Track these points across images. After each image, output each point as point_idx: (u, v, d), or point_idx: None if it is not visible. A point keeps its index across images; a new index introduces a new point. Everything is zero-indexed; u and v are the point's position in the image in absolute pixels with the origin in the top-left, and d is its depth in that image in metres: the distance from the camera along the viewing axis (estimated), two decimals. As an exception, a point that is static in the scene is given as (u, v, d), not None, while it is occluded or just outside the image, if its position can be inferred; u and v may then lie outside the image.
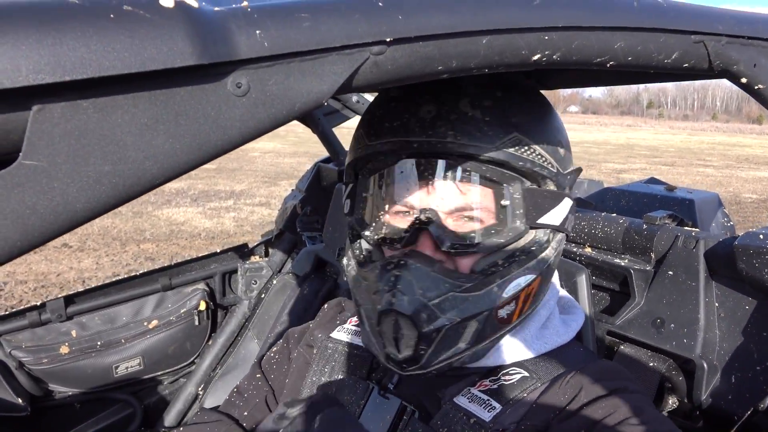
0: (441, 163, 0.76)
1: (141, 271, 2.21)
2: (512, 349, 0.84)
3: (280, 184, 11.04)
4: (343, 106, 2.34)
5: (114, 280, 2.15)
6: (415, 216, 0.77)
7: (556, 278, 0.96)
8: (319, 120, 2.25)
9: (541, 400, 0.77)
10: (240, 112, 0.41)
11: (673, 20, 0.64)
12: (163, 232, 7.43)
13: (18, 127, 0.34)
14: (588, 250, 1.39)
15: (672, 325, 1.18)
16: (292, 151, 16.52)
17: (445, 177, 0.76)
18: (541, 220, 0.79)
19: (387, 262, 0.76)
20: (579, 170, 0.88)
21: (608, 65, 0.62)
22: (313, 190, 2.36)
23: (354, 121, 2.50)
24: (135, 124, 0.37)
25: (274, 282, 2.31)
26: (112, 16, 0.35)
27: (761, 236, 1.08)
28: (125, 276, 2.18)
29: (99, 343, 2.05)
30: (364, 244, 0.86)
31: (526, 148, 0.77)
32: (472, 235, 0.77)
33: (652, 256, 1.27)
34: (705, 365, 1.12)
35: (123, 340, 2.09)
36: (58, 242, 6.62)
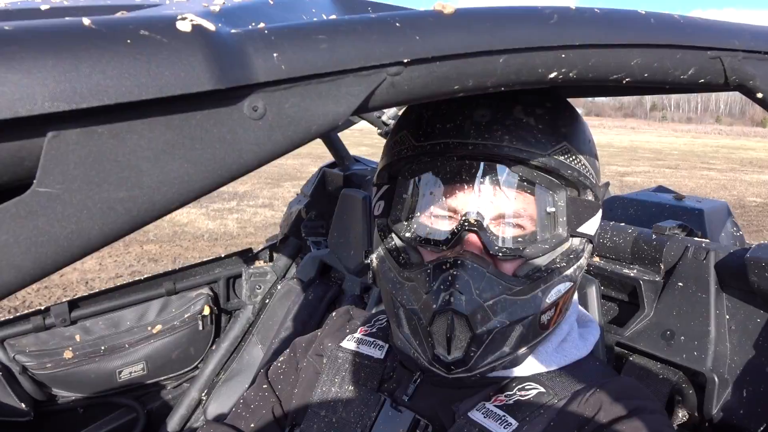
0: (493, 167, 0.77)
1: (145, 275, 2.20)
2: (532, 362, 0.83)
3: (283, 186, 11.05)
4: (348, 110, 2.33)
5: (118, 284, 2.14)
6: (463, 218, 0.77)
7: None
8: (325, 125, 2.24)
9: (559, 419, 0.76)
10: (256, 135, 0.40)
11: (690, 36, 0.64)
12: (166, 233, 7.43)
13: (32, 154, 0.34)
14: (596, 259, 1.39)
15: (682, 337, 1.17)
16: (295, 153, 16.45)
17: (495, 181, 0.77)
18: (581, 229, 0.81)
19: (442, 261, 0.75)
20: (607, 184, 0.90)
21: (624, 82, 0.61)
22: (318, 195, 2.35)
23: (357, 126, 2.50)
24: (151, 149, 0.36)
25: (279, 287, 2.30)
26: (128, 41, 0.34)
27: (773, 249, 1.07)
28: (129, 278, 2.18)
29: (103, 347, 2.05)
30: (399, 244, 0.85)
31: (574, 157, 0.78)
32: (519, 240, 0.78)
33: (662, 266, 1.26)
34: (716, 379, 1.11)
35: (127, 345, 2.09)
36: (62, 243, 6.62)
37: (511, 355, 0.78)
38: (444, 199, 0.79)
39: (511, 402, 0.79)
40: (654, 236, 1.29)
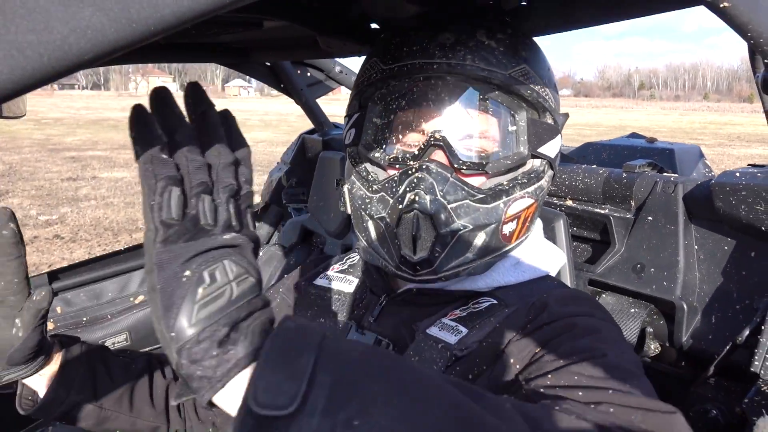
0: (458, 86, 0.80)
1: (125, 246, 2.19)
2: (489, 276, 0.85)
3: (272, 172, 10.99)
4: (326, 77, 2.32)
5: (98, 255, 2.13)
6: (430, 135, 0.80)
7: (538, 221, 0.97)
8: (302, 91, 2.23)
9: (505, 321, 0.78)
10: (172, -12, 0.39)
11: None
12: (155, 221, 7.39)
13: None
14: (569, 202, 1.39)
15: (652, 269, 1.18)
16: (284, 140, 16.46)
17: (460, 100, 0.80)
18: (541, 150, 0.84)
19: (407, 168, 0.79)
20: (567, 115, 0.93)
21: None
22: (297, 162, 2.34)
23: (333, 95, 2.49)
24: (58, -7, 0.36)
25: (261, 254, 2.30)
26: None
27: (737, 174, 1.08)
28: (110, 251, 2.17)
29: (84, 319, 2.04)
30: (371, 168, 0.87)
31: (533, 81, 0.82)
32: (483, 155, 0.81)
33: (632, 203, 1.27)
34: (685, 306, 1.12)
35: (109, 316, 2.08)
36: (50, 233, 6.60)
37: (474, 262, 0.81)
38: (411, 118, 0.83)
39: (464, 314, 0.81)
40: (624, 174, 1.30)
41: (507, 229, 0.81)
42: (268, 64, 2.16)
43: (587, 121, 28.16)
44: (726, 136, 21.44)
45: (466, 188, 0.78)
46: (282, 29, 1.31)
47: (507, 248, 0.84)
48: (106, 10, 0.37)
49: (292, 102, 2.31)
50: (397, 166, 0.82)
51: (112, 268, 2.10)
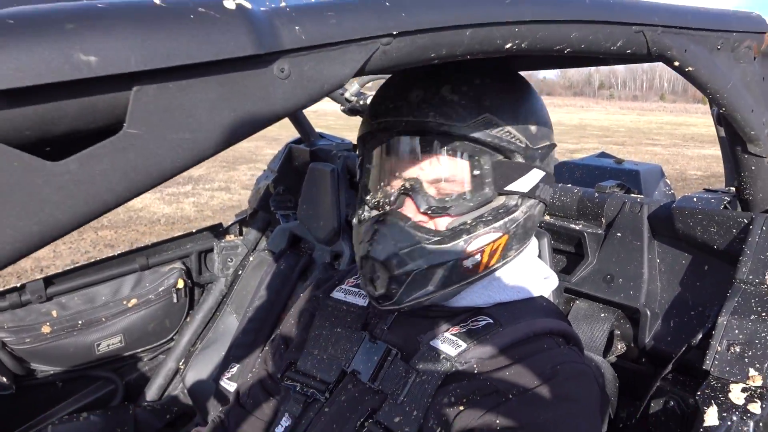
0: (423, 140, 0.91)
1: (117, 252, 2.26)
2: (484, 293, 0.98)
3: (239, 169, 10.97)
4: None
5: (91, 260, 2.19)
6: (402, 184, 0.92)
7: (534, 245, 1.08)
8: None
9: (514, 368, 0.87)
10: (282, 91, 0.51)
11: (618, 14, 0.78)
12: (120, 218, 7.32)
13: (122, 103, 0.44)
14: (547, 217, 1.54)
15: (620, 279, 1.34)
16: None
17: (425, 151, 0.91)
18: (509, 188, 0.93)
19: (370, 218, 0.93)
20: (553, 145, 1.02)
21: (565, 52, 0.74)
22: (285, 170, 2.44)
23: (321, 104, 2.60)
24: (207, 101, 0.47)
25: (251, 259, 2.39)
26: (191, 16, 0.45)
27: (695, 199, 1.24)
28: (98, 258, 2.22)
29: (80, 322, 2.10)
30: (365, 207, 0.99)
31: (496, 127, 0.91)
32: (447, 199, 0.91)
33: (603, 220, 1.43)
34: (648, 313, 1.29)
35: (103, 319, 2.14)
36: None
37: (437, 292, 0.91)
38: (390, 168, 0.95)
39: (464, 330, 0.93)
40: (596, 195, 1.45)
41: (469, 263, 0.91)
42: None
43: (549, 120, 28.73)
44: (681, 136, 22.27)
45: (420, 233, 0.88)
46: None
47: (476, 276, 0.94)
48: (236, 110, 0.49)
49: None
50: (374, 212, 0.94)
51: (104, 272, 2.17)
